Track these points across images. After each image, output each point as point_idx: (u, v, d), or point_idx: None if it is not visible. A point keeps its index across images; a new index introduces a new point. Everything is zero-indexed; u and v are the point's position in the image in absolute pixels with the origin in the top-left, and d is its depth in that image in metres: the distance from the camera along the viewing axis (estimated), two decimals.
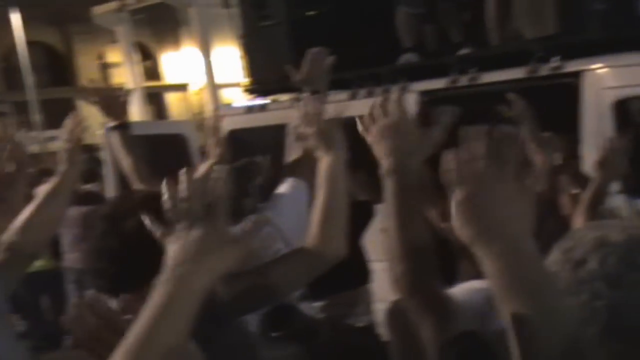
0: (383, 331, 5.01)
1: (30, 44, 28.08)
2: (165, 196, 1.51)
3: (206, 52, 20.29)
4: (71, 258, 7.88)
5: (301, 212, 3.75)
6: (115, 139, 3.89)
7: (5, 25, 27.62)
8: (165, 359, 1.40)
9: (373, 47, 6.83)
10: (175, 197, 1.48)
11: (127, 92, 4.15)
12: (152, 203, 2.58)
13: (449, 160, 1.40)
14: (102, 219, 2.56)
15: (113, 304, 2.52)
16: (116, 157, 3.96)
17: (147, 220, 1.50)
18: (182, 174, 1.51)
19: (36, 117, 25.81)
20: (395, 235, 1.98)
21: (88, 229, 6.85)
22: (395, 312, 2.73)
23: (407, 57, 6.74)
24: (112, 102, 3.92)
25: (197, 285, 1.44)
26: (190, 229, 1.44)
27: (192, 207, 1.45)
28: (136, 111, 20.36)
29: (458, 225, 1.39)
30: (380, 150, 2.07)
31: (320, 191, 2.65)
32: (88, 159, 10.01)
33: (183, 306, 1.42)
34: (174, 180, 1.55)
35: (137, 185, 3.74)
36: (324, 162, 2.65)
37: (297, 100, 6.30)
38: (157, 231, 1.47)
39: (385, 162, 2.04)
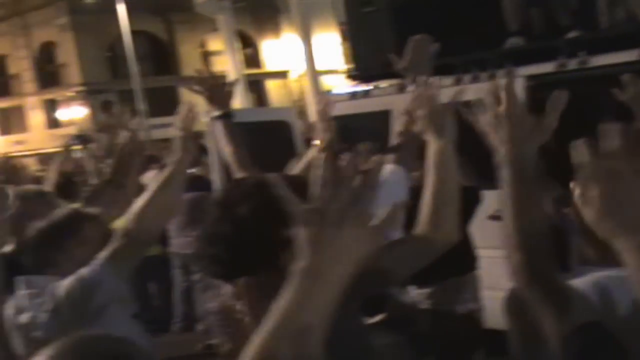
0: (489, 319, 4.96)
1: (135, 33, 28.67)
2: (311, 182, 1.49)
3: (306, 39, 20.38)
4: (177, 243, 8.02)
5: (399, 198, 3.73)
6: (219, 127, 3.93)
7: (112, 15, 28.28)
8: (304, 345, 1.41)
9: (478, 31, 6.72)
10: (322, 183, 1.46)
11: (233, 83, 4.17)
12: (264, 189, 2.61)
13: (580, 153, 1.38)
14: (215, 205, 2.59)
15: (228, 289, 2.56)
16: (219, 145, 4.01)
17: (288, 203, 1.48)
18: (322, 161, 1.49)
19: (140, 105, 26.36)
20: (512, 224, 1.95)
21: (194, 215, 6.97)
22: (514, 301, 2.69)
23: (514, 41, 6.62)
24: (217, 91, 3.96)
25: (338, 272, 1.43)
26: (331, 215, 1.43)
27: (337, 193, 1.44)
28: (238, 99, 20.61)
29: (594, 219, 1.38)
30: (496, 139, 2.03)
31: (430, 177, 2.61)
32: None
33: (323, 293, 1.42)
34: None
35: (238, 173, 3.77)
36: (434, 147, 2.61)
37: (401, 86, 6.29)
38: (298, 215, 1.45)
39: (501, 151, 2.01)
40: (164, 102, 29.64)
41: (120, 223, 3.62)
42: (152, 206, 2.93)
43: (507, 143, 1.99)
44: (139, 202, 2.95)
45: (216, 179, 7.31)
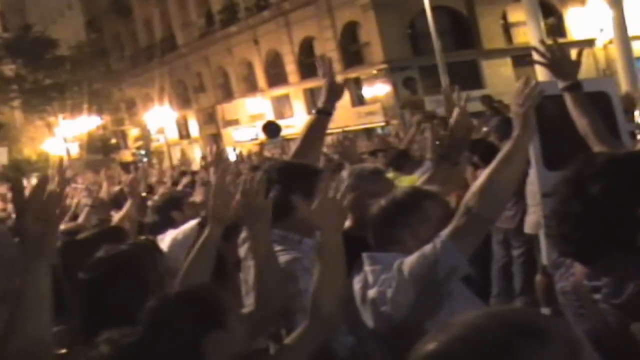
0: None
1: (435, 9, 28.76)
2: None
3: (615, 4, 19.40)
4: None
5: None
6: (568, 99, 3.81)
7: None
8: None
9: None
10: None
11: (581, 52, 4.01)
12: (617, 166, 2.49)
13: None
14: (565, 182, 2.52)
15: (579, 268, 2.49)
16: (573, 117, 3.87)
17: None
18: None
19: (443, 80, 26.48)
20: None
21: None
22: None
23: None
24: (563, 62, 3.84)
25: None
26: None
27: None
28: (541, 70, 20.05)
29: None
30: None
31: None
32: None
33: None
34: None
35: (596, 147, 3.61)
36: None
37: None
38: None
39: None
40: (465, 77, 29.62)
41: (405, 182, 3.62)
42: (493, 183, 2.90)
43: None
44: (480, 179, 2.94)
45: (532, 153, 7.13)
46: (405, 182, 3.91)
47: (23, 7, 67.65)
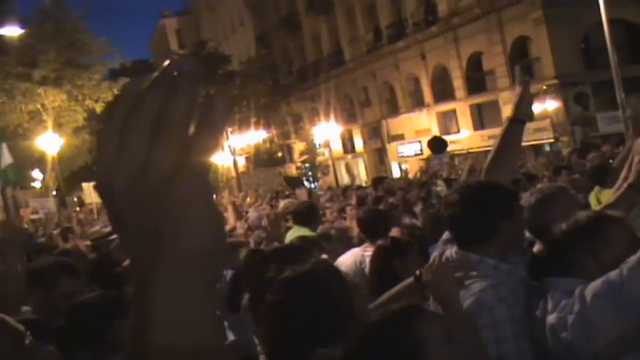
0: None
1: (611, 22, 27.80)
2: None
3: None
4: None
5: None
6: None
7: (586, 6, 27.74)
8: None
9: None
10: None
11: None
12: None
13: None
14: None
15: None
16: None
17: None
18: None
19: (618, 96, 25.49)
20: None
21: None
22: None
23: None
24: None
25: None
26: None
27: None
28: None
29: None
30: None
31: None
32: None
33: None
34: None
35: None
36: None
37: None
38: None
39: None
40: None
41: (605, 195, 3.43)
42: None
43: None
44: None
45: None
46: (605, 195, 3.74)
47: (198, 24, 70.44)
